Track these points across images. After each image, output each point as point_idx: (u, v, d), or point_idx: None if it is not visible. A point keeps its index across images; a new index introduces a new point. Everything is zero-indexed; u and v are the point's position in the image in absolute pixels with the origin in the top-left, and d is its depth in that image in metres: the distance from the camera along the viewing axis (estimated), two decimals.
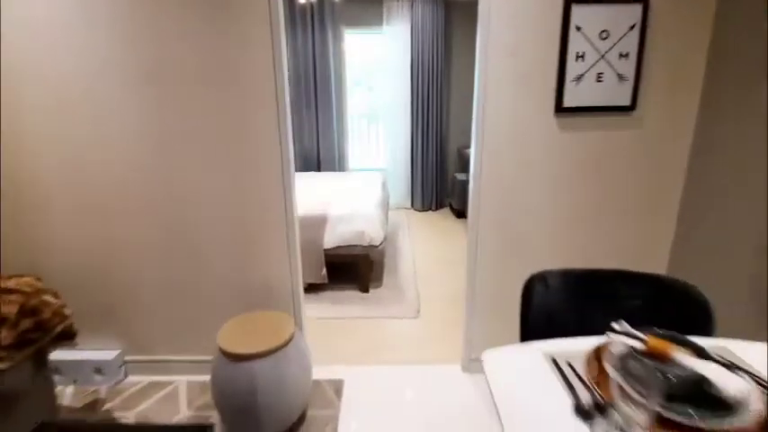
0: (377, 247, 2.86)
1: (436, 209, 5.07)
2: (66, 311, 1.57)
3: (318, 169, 4.97)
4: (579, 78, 1.74)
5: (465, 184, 4.46)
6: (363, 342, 2.41)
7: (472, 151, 1.92)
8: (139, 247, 1.94)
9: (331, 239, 2.84)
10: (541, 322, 1.18)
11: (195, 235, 1.93)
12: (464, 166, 4.76)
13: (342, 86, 4.90)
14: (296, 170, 5.06)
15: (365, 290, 2.95)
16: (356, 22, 4.74)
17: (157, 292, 2.00)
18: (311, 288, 2.93)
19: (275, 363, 1.58)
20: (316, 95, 4.79)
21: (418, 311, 2.71)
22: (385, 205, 3.54)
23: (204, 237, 1.93)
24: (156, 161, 1.84)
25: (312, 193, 3.36)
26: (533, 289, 1.21)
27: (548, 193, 1.89)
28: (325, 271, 2.86)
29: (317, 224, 2.84)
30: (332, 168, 4.98)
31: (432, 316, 2.67)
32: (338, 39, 4.76)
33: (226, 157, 1.84)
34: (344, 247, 2.86)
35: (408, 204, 5.14)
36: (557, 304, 1.20)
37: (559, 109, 1.77)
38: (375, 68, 5.35)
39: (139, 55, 1.72)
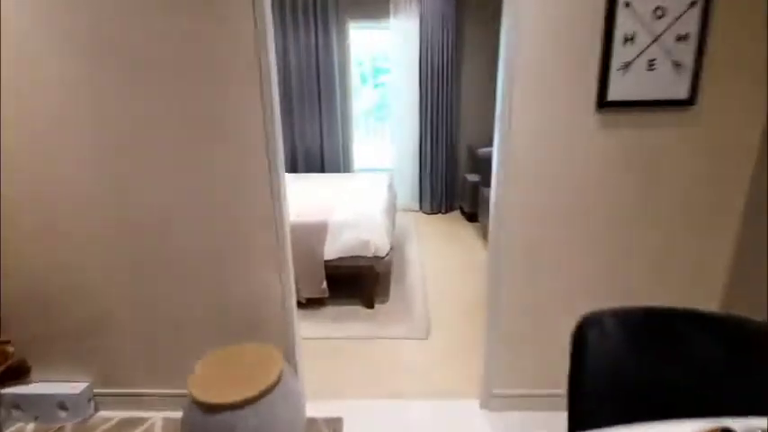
0: (383, 258, 2.58)
1: (446, 212, 4.78)
2: (9, 349, 1.31)
3: (322, 170, 4.70)
4: (627, 66, 1.45)
5: (477, 185, 4.16)
6: (366, 368, 2.13)
7: (494, 155, 1.63)
8: (106, 269, 1.68)
9: (332, 250, 2.57)
10: (602, 385, 0.89)
11: (170, 252, 1.66)
12: (476, 167, 4.46)
13: (347, 83, 4.63)
14: (299, 171, 4.89)
15: (370, 305, 2.68)
16: (361, 14, 4.45)
17: (129, 319, 1.74)
18: (310, 303, 2.66)
19: (259, 411, 1.31)
20: (319, 93, 4.51)
21: (428, 331, 2.43)
22: (392, 210, 3.26)
23: (180, 254, 1.66)
24: (118, 168, 1.57)
25: (312, 196, 3.08)
26: (586, 338, 0.92)
27: (584, 205, 1.60)
28: (325, 284, 2.59)
29: (316, 232, 2.57)
30: (336, 169, 4.70)
31: (443, 336, 2.39)
32: (343, 32, 4.48)
33: (202, 162, 1.57)
34: (347, 258, 2.58)
35: (416, 207, 4.85)
36: (620, 359, 0.91)
37: (602, 104, 1.48)
38: (381, 64, 5.08)
39: (100, 45, 1.46)
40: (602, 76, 1.46)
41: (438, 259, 3.47)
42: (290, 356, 1.77)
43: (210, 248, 1.66)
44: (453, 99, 4.52)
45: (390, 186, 3.66)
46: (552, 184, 1.58)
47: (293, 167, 4.70)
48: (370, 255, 2.56)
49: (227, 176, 1.58)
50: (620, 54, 1.43)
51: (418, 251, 3.62)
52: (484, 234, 3.88)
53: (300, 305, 2.61)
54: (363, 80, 5.24)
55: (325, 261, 2.57)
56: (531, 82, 1.49)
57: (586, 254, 1.65)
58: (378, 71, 5.24)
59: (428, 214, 4.74)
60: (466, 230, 4.20)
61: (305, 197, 3.06)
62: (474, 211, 4.31)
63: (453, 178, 4.77)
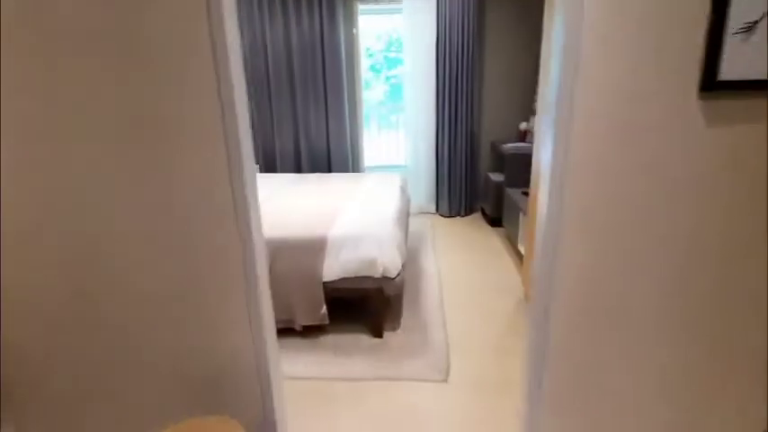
0: (393, 279, 2.15)
1: (465, 214, 4.32)
2: None
3: (329, 170, 4.29)
4: (749, 30, 0.97)
5: (501, 186, 3.69)
6: (370, 422, 1.72)
7: (547, 156, 1.17)
8: (33, 317, 1.29)
9: (332, 270, 2.15)
10: None
11: (107, 294, 1.26)
12: (500, 165, 3.98)
13: (355, 73, 4.19)
14: (305, 171, 4.47)
15: (377, 334, 2.26)
16: None
17: (62, 381, 1.35)
18: (308, 331, 2.26)
19: None
20: (325, 85, 4.09)
21: (447, 371, 1.99)
22: (404, 217, 2.83)
23: (120, 296, 1.27)
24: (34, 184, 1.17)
25: (313, 203, 2.67)
26: None
27: (675, 232, 1.13)
28: (324, 310, 2.18)
29: (314, 249, 2.15)
30: (344, 168, 4.29)
31: (467, 378, 1.95)
32: (350, 17, 4.04)
33: (138, 177, 1.16)
34: (350, 279, 2.16)
35: (433, 209, 4.40)
36: None
37: (710, 85, 1.01)
38: (394, 52, 4.63)
39: None
40: (710, 46, 0.99)
41: (458, 272, 3.03)
42: None
43: (160, 290, 1.26)
44: (474, 89, 4.03)
45: (403, 188, 3.23)
46: (630, 201, 1.12)
47: (297, 167, 4.30)
48: (377, 275, 2.13)
49: (168, 191, 1.17)
50: (739, 13, 0.96)
51: (435, 262, 3.18)
52: (510, 241, 3.41)
53: (296, 333, 2.21)
54: (374, 71, 4.80)
55: (325, 282, 2.16)
56: (602, 68, 1.03)
57: (673, 298, 1.19)
58: (390, 62, 4.79)
59: (446, 217, 4.29)
60: (489, 236, 3.73)
61: (304, 204, 2.65)
62: (498, 215, 3.84)
63: (474, 177, 4.30)
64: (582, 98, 1.06)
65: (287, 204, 2.65)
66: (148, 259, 1.23)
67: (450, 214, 4.30)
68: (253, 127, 4.24)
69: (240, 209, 1.18)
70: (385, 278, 2.15)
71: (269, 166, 4.34)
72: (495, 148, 4.10)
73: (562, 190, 1.13)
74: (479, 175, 4.33)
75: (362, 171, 4.45)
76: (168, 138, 1.13)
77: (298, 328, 2.21)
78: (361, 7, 4.10)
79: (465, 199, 4.28)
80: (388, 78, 4.85)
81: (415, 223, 4.04)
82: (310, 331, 2.26)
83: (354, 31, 4.10)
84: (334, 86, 4.08)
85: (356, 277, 2.16)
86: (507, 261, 3.21)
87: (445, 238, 3.70)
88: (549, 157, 1.12)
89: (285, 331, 2.24)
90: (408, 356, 2.10)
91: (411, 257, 3.25)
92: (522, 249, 3.03)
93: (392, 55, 4.71)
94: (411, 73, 4.07)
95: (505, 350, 2.14)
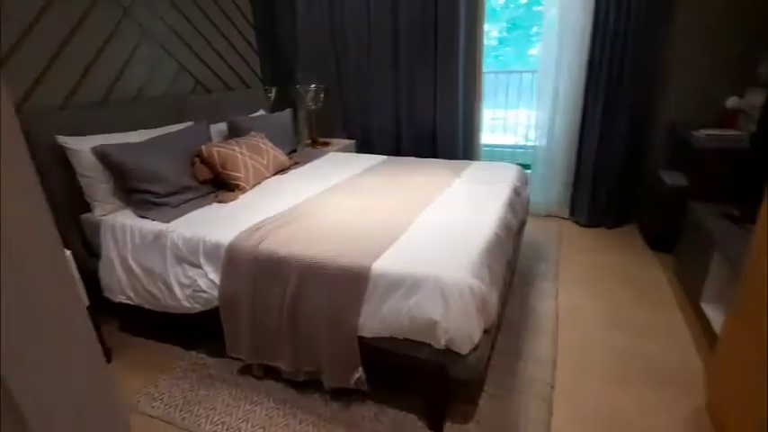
0: (465, 356, 1.32)
1: (613, 225, 3.08)
2: None
3: (434, 150, 3.46)
4: None
5: (681, 194, 2.41)
6: None
7: None
8: None
9: (372, 321, 1.42)
10: None
11: None
12: (682, 161, 2.65)
13: (476, 33, 3.16)
14: (404, 151, 3.66)
15: (434, 426, 1.48)
16: None
17: None
18: (340, 392, 1.60)
19: None
20: (436, 48, 3.19)
21: None
22: (508, 240, 1.90)
23: None
24: None
25: (376, 207, 1.93)
26: None
27: None
28: (362, 373, 1.48)
29: (351, 285, 1.43)
30: (453, 149, 3.41)
31: None
32: None
33: None
34: (395, 341, 1.41)
35: (566, 212, 3.26)
36: None
37: None
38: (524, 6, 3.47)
39: None
40: None
41: (588, 325, 2.00)
42: None
43: None
44: (651, 45, 2.69)
45: (518, 189, 2.25)
46: None
47: (396, 146, 3.56)
48: (437, 346, 1.33)
49: None
50: None
51: (554, 297, 2.19)
52: (684, 284, 2.19)
53: (322, 389, 1.58)
54: (499, 21, 3.68)
55: (361, 338, 1.44)
56: None
57: None
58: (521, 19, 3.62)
59: (583, 226, 3.12)
60: (647, 267, 2.51)
61: (365, 208, 1.93)
62: (666, 235, 2.57)
63: (635, 174, 3.00)
64: None
65: (343, 206, 1.97)
66: None
67: (590, 223, 3.11)
68: (344, 96, 3.63)
69: None
70: (450, 352, 1.33)
71: (364, 143, 3.72)
72: (676, 134, 2.74)
73: None
74: (645, 172, 3.01)
75: (475, 152, 3.51)
76: None
77: (326, 386, 1.57)
78: None
79: (616, 203, 3.04)
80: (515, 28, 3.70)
81: (536, 230, 3.00)
82: (341, 395, 1.60)
83: None
84: (445, 44, 3.17)
85: (406, 340, 1.39)
86: (676, 321, 2.03)
87: (577, 260, 2.61)
88: None
89: (308, 385, 1.62)
90: None
91: (519, 284, 2.31)
92: (710, 313, 1.84)
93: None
94: (553, 21, 2.91)
95: None
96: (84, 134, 1.98)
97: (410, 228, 1.69)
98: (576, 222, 3.17)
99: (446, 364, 1.35)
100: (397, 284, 1.38)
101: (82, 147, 1.93)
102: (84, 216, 2.03)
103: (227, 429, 1.50)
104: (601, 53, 2.78)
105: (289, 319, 1.52)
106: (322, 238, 1.61)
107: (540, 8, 3.19)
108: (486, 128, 4.35)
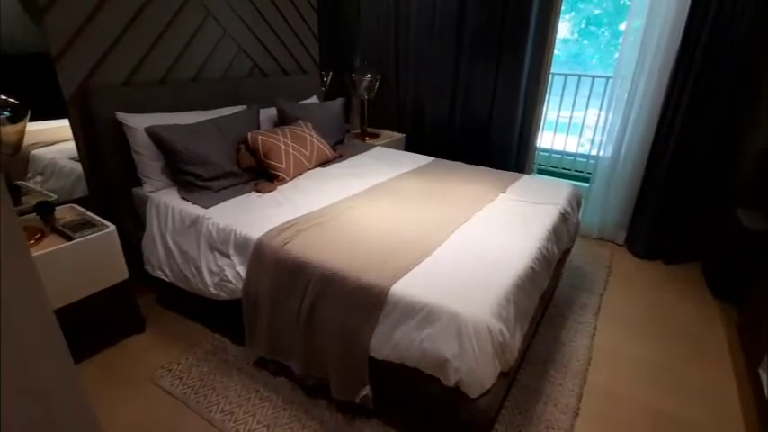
0: (474, 400, 1.25)
1: (673, 261, 2.80)
2: None
3: (486, 153, 3.31)
4: None
5: (757, 236, 2.13)
6: None
7: None
8: None
9: (383, 344, 1.38)
10: None
11: None
12: (766, 198, 2.32)
13: (549, 21, 2.92)
14: (456, 152, 3.50)
15: None
16: None
17: None
18: (345, 406, 1.59)
19: None
20: (501, 36, 3.00)
21: None
22: (547, 270, 1.77)
23: None
24: None
25: (409, 219, 1.86)
26: None
27: None
28: (368, 391, 1.46)
29: (367, 304, 1.40)
30: (507, 154, 3.24)
31: None
32: None
33: None
34: (404, 367, 1.36)
35: (621, 239, 3.01)
36: None
37: None
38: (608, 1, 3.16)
39: None
40: None
41: (628, 378, 1.84)
42: None
43: None
44: (753, 60, 2.34)
45: (567, 214, 2.08)
46: None
47: (448, 146, 3.44)
48: (448, 384, 1.27)
49: None
50: None
51: (592, 336, 2.03)
52: (741, 334, 1.94)
53: (328, 396, 1.58)
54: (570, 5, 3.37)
55: (372, 358, 1.41)
56: None
57: None
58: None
59: (638, 257, 2.86)
60: (705, 314, 2.26)
61: (396, 220, 1.87)
62: (735, 281, 2.29)
63: (709, 206, 2.69)
64: None
65: (376, 213, 1.92)
66: None
67: (648, 254, 2.84)
68: (400, 87, 3.53)
69: None
70: (459, 392, 1.26)
71: (415, 138, 3.62)
72: (765, 168, 2.40)
73: None
74: (720, 206, 2.68)
75: (530, 157, 3.32)
76: None
77: (333, 396, 1.57)
78: None
79: (680, 235, 2.75)
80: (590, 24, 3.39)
81: (584, 254, 2.80)
82: (349, 405, 1.59)
83: None
84: (513, 48, 2.97)
85: (416, 370, 1.34)
86: (728, 386, 1.81)
87: (624, 296, 2.41)
88: None
89: (317, 390, 1.63)
90: None
91: (554, 313, 2.17)
92: (767, 384, 1.62)
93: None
94: (637, 34, 2.62)
95: None
96: (142, 112, 2.07)
97: (440, 248, 1.61)
98: (632, 251, 2.91)
99: (454, 403, 1.29)
100: (412, 312, 1.32)
101: (138, 125, 2.02)
102: (135, 190, 2.15)
103: (234, 420, 1.55)
104: (687, 71, 2.47)
105: (304, 326, 1.52)
106: (347, 248, 1.58)
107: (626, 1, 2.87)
108: (549, 126, 4.10)
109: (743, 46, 2.31)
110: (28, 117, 1.71)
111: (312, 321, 1.51)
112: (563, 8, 2.91)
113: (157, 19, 2.19)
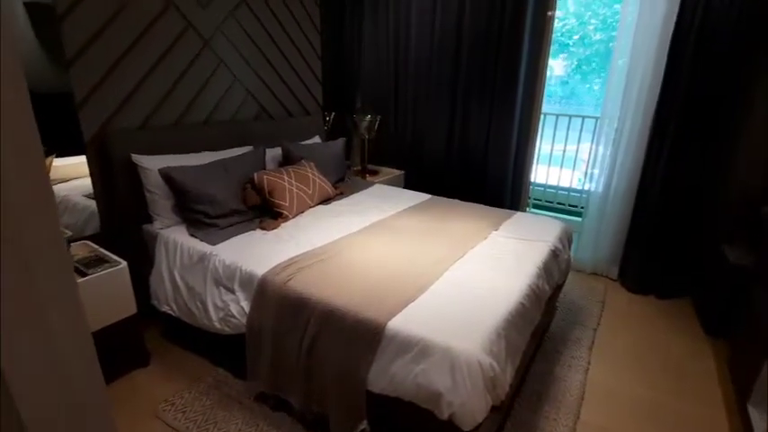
0: None
1: (666, 296, 2.86)
2: None
3: (481, 189, 3.43)
4: None
5: (745, 274, 2.21)
6: None
7: None
8: None
9: (380, 379, 1.45)
10: None
11: None
12: (750, 238, 2.42)
13: (538, 68, 3.13)
14: (452, 189, 3.51)
15: None
16: None
17: None
18: None
19: None
20: (495, 78, 3.19)
21: None
22: (538, 306, 1.84)
23: None
24: None
25: (404, 256, 1.95)
26: None
27: None
28: (366, 426, 1.50)
29: (364, 339, 1.47)
30: (501, 191, 3.37)
31: None
32: None
33: None
34: (400, 401, 1.42)
35: (614, 273, 3.09)
36: None
37: None
38: (598, 43, 3.35)
39: None
40: None
41: (619, 407, 1.87)
42: None
43: None
44: (732, 106, 2.50)
45: (557, 251, 2.17)
46: None
47: (443, 182, 3.57)
48: (441, 417, 1.33)
49: None
50: None
51: (585, 371, 2.08)
52: (731, 369, 1.99)
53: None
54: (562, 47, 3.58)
55: (370, 391, 1.47)
56: None
57: None
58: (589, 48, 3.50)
59: (631, 292, 2.93)
60: (696, 349, 2.31)
61: (392, 255, 1.96)
62: (724, 316, 2.35)
63: (697, 241, 2.78)
64: None
65: (375, 249, 2.01)
66: None
67: (640, 289, 2.91)
68: (398, 127, 3.71)
69: None
70: (453, 426, 1.32)
71: (413, 174, 3.76)
72: (747, 206, 2.51)
73: None
74: (708, 241, 2.78)
75: (524, 193, 3.44)
76: None
77: (332, 430, 1.61)
78: None
79: (672, 270, 2.83)
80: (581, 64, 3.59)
81: (578, 289, 2.87)
82: None
83: (549, 14, 3.04)
84: (505, 90, 3.15)
85: (411, 404, 1.40)
86: (718, 421, 1.85)
87: (618, 331, 2.46)
88: None
89: (316, 426, 1.67)
90: None
91: (548, 347, 2.22)
92: (755, 419, 1.66)
93: (595, 39, 3.42)
94: (623, 61, 2.79)
95: None
96: (156, 153, 2.21)
97: (435, 283, 1.70)
98: (625, 286, 2.98)
99: None
100: (408, 346, 1.39)
101: (152, 166, 2.15)
102: (145, 226, 2.25)
103: None
104: (672, 107, 2.62)
105: (305, 362, 1.59)
106: (347, 285, 1.66)
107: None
108: (545, 159, 4.27)
109: (722, 85, 2.46)
110: (52, 160, 1.84)
111: (312, 356, 1.58)
112: (556, 49, 3.11)
113: (175, 68, 2.37)
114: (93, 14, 1.98)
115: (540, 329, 1.94)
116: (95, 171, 2.13)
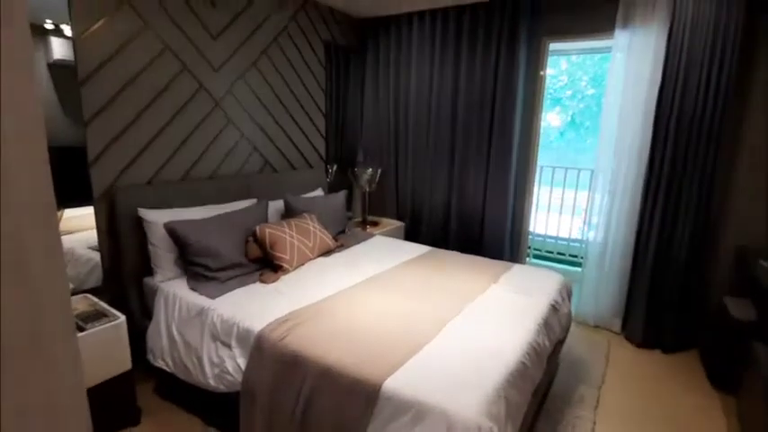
0: None
1: (672, 350, 2.80)
2: None
3: (480, 241, 3.47)
4: None
5: (748, 328, 2.17)
6: None
7: None
8: None
9: None
10: None
11: None
12: (752, 290, 2.41)
13: (532, 127, 3.29)
14: (451, 241, 3.56)
15: None
16: (569, 28, 3.05)
17: None
18: None
19: None
20: (490, 143, 3.32)
21: None
22: (540, 363, 1.81)
23: None
24: None
25: (402, 311, 1.95)
26: None
27: None
28: None
29: (360, 400, 1.45)
30: (500, 245, 3.40)
31: None
32: (536, 58, 3.18)
33: None
34: None
35: (617, 326, 3.04)
36: None
37: None
38: (590, 98, 3.51)
39: None
40: None
41: None
42: None
43: None
44: (719, 164, 2.59)
45: (557, 304, 2.16)
46: None
47: (443, 236, 3.62)
48: None
49: None
50: None
51: (590, 430, 2.00)
52: (742, 425, 1.90)
53: None
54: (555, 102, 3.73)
55: None
56: None
57: None
58: (582, 109, 3.66)
59: (636, 346, 2.87)
60: (705, 405, 2.23)
61: (390, 311, 1.96)
62: (731, 371, 2.29)
63: (699, 293, 2.76)
64: None
65: (373, 305, 2.01)
66: None
67: (645, 342, 2.85)
68: (399, 180, 3.81)
69: None
70: None
71: (413, 226, 3.82)
72: (744, 258, 2.52)
73: None
74: (708, 297, 2.77)
75: (522, 246, 3.47)
76: None
77: None
78: (553, 46, 3.20)
79: (676, 323, 2.78)
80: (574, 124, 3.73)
81: (581, 343, 2.82)
82: None
83: (541, 73, 3.22)
84: (501, 145, 3.27)
85: None
86: None
87: (623, 388, 2.39)
88: None
89: None
90: None
91: (550, 406, 2.15)
92: None
93: (587, 100, 3.58)
94: (611, 126, 2.91)
95: None
96: (161, 207, 2.27)
97: (433, 340, 1.69)
98: (629, 339, 2.92)
99: None
100: (404, 409, 1.37)
101: (156, 220, 2.21)
102: (146, 279, 2.27)
103: None
104: (662, 168, 2.70)
105: (299, 421, 1.55)
106: (343, 342, 1.65)
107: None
108: (544, 208, 4.33)
109: (709, 143, 2.55)
110: (62, 214, 1.89)
111: (307, 416, 1.54)
112: (550, 102, 3.25)
113: (185, 126, 2.49)
114: (111, 80, 2.12)
115: (541, 388, 1.89)
116: (102, 225, 2.19)
